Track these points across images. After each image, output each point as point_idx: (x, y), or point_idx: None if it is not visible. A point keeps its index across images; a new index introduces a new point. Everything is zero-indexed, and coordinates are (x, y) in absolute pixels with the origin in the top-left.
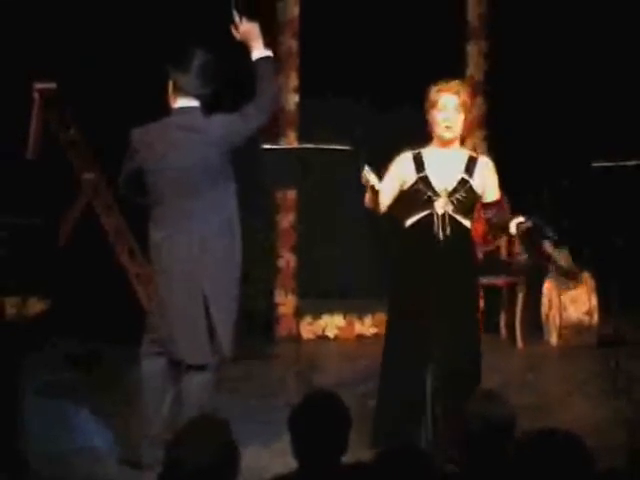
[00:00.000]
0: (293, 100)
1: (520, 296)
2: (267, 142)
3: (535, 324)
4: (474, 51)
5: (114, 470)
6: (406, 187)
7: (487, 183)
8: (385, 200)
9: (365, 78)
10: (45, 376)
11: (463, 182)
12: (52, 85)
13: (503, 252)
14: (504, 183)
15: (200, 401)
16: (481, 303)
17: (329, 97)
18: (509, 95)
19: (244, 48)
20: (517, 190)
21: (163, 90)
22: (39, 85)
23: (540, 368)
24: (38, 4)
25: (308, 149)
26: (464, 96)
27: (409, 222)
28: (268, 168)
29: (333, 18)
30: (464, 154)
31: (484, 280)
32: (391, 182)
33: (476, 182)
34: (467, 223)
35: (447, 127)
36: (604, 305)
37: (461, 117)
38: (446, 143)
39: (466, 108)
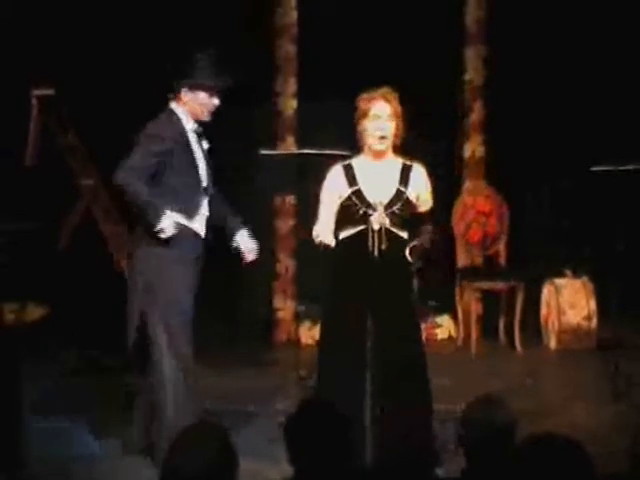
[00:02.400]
0: (291, 105)
1: (519, 300)
2: (265, 147)
3: (534, 328)
4: (472, 55)
5: (111, 477)
6: (340, 201)
7: (420, 191)
8: (332, 225)
9: (363, 83)
10: (43, 382)
11: (399, 194)
12: (50, 92)
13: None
14: (504, 186)
15: (177, 411)
16: (480, 308)
17: (327, 102)
18: (508, 99)
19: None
20: (517, 193)
21: (162, 94)
22: (37, 92)
23: (539, 372)
24: (37, 10)
25: (306, 154)
26: (395, 103)
27: (342, 235)
28: (266, 173)
29: (331, 23)
30: (397, 163)
31: (484, 285)
32: (330, 201)
33: (411, 192)
34: (404, 234)
35: (380, 137)
36: (603, 309)
37: (393, 125)
38: (378, 154)
39: (398, 115)
